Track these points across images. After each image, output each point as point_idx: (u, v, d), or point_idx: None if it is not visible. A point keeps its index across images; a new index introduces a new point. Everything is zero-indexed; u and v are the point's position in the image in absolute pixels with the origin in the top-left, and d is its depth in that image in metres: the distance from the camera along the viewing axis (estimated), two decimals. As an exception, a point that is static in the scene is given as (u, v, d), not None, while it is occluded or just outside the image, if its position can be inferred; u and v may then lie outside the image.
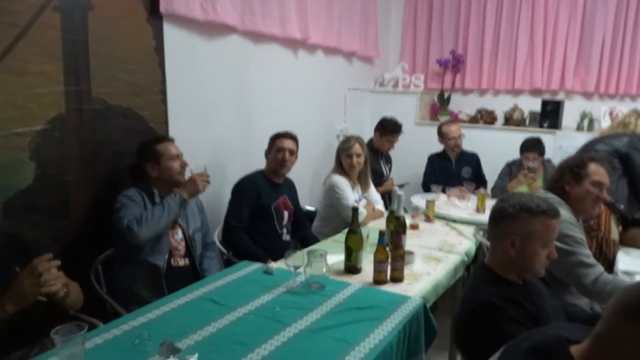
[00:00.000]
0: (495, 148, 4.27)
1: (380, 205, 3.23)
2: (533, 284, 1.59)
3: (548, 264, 1.56)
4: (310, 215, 3.32)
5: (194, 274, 2.31)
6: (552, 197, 2.07)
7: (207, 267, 2.37)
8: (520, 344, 1.00)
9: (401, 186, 3.88)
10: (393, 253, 2.05)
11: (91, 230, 2.28)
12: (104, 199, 2.29)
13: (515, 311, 1.40)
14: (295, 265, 1.86)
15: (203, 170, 2.32)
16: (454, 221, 3.11)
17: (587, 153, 2.34)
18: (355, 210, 2.18)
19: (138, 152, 2.31)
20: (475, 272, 1.65)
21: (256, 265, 2.10)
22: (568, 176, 2.09)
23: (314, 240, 2.97)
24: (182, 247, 2.31)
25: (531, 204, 1.50)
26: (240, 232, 2.68)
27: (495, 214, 1.57)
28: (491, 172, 4.07)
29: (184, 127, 2.71)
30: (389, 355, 1.48)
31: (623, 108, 4.23)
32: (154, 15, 2.49)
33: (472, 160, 4.11)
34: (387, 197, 3.79)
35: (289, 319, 1.59)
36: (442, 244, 2.65)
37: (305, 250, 1.92)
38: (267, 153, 2.87)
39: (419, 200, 3.55)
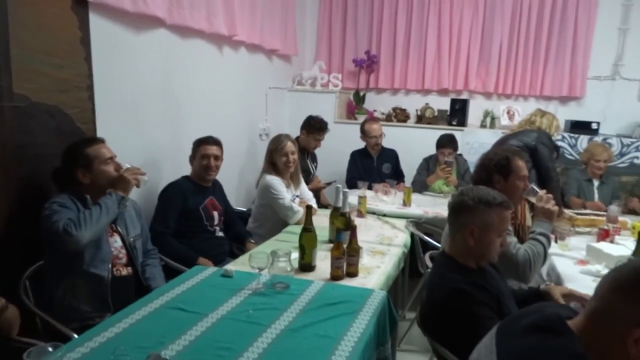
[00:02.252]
0: (410, 145, 4.53)
1: (313, 203, 3.27)
2: (487, 268, 1.73)
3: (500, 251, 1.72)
4: (240, 216, 3.27)
5: (137, 284, 2.17)
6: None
7: (150, 276, 2.24)
8: (518, 323, 1.10)
9: (329, 184, 3.96)
10: (348, 249, 2.11)
11: (13, 243, 2.04)
12: (27, 208, 2.06)
13: (482, 295, 1.53)
14: (259, 267, 1.84)
15: (127, 166, 2.13)
16: (385, 215, 3.26)
17: (506, 149, 2.56)
18: (309, 208, 2.20)
19: (66, 157, 2.08)
20: (438, 261, 1.76)
21: (211, 270, 2.04)
22: (496, 175, 2.28)
23: (248, 235, 2.96)
24: (123, 255, 2.15)
25: (488, 197, 1.64)
26: (166, 238, 2.59)
27: (456, 206, 1.69)
28: (407, 167, 4.32)
29: (113, 127, 2.53)
30: (370, 346, 1.53)
31: (518, 107, 4.73)
32: (80, 3, 2.29)
33: (392, 157, 4.32)
34: (315, 195, 3.85)
35: (265, 320, 1.58)
36: (381, 237, 2.77)
37: (269, 250, 1.90)
38: (192, 159, 2.82)
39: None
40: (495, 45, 4.74)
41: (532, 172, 2.97)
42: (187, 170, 2.86)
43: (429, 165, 4.08)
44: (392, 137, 4.48)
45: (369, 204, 3.39)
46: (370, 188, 3.80)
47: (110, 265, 2.04)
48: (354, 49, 5.12)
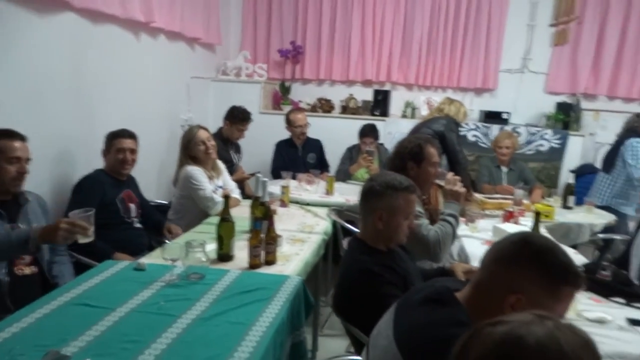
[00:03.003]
0: (335, 134, 4.60)
1: (236, 193, 3.26)
2: (396, 250, 1.81)
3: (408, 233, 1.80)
4: (161, 209, 3.20)
5: (43, 282, 2.06)
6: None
7: (58, 274, 2.13)
8: (413, 297, 1.17)
9: (253, 174, 3.93)
10: (266, 237, 2.13)
11: None
12: None
13: (390, 275, 1.60)
14: (173, 258, 1.81)
15: (87, 217, 1.76)
16: (307, 204, 3.31)
17: (418, 137, 2.67)
18: (226, 198, 2.19)
19: None
20: (351, 245, 1.82)
21: (123, 264, 1.98)
22: (410, 162, 2.38)
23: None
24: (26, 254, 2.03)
25: (395, 182, 1.71)
26: None
27: (366, 192, 1.75)
28: (331, 157, 4.40)
29: (14, 118, 2.36)
30: (282, 331, 1.56)
31: (437, 98, 4.92)
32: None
33: (316, 147, 4.38)
34: (239, 185, 3.83)
35: (176, 311, 1.56)
36: (302, 226, 2.81)
37: (183, 241, 1.88)
38: (106, 152, 2.72)
39: (271, 186, 3.65)
40: (415, 39, 4.91)
41: (442, 157, 3.13)
42: (102, 163, 2.74)
43: (352, 155, 4.18)
44: (317, 127, 4.54)
45: (293, 193, 3.42)
46: (294, 178, 3.83)
47: (7, 266, 1.91)
48: (280, 39, 5.11)
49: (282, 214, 3.07)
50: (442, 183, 2.40)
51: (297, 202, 3.33)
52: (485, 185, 4.04)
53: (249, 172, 4.05)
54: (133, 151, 2.70)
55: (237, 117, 3.81)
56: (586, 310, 1.79)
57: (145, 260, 2.05)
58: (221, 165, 3.20)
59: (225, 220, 2.14)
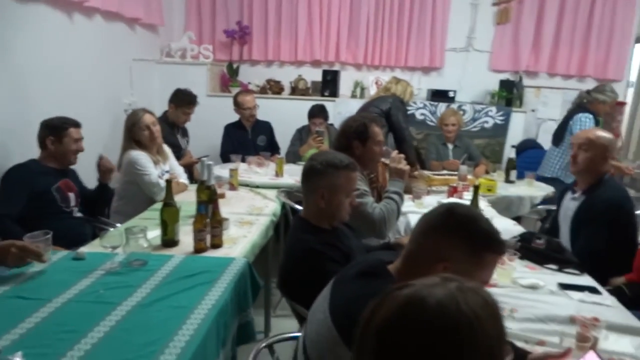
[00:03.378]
0: (284, 116, 4.58)
1: (184, 178, 3.20)
2: (340, 228, 1.84)
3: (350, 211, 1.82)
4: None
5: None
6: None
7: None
8: (349, 272, 1.19)
9: (199, 159, 3.86)
10: (211, 221, 2.10)
11: None
12: None
13: (333, 253, 1.62)
14: (113, 246, 1.76)
15: (44, 241, 1.70)
16: (257, 187, 3.29)
17: (363, 116, 2.69)
18: (168, 182, 2.14)
19: None
20: (294, 224, 1.83)
21: (62, 253, 1.91)
22: (355, 141, 2.41)
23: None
24: None
25: (335, 160, 1.73)
26: (7, 221, 2.35)
27: (307, 172, 1.76)
28: (282, 139, 4.38)
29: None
30: (225, 312, 1.55)
31: (386, 77, 4.96)
32: None
33: (266, 129, 4.34)
34: (188, 170, 3.76)
35: (116, 298, 1.52)
36: (251, 208, 2.80)
37: (122, 227, 1.83)
38: (49, 143, 2.57)
39: (220, 170, 3.62)
40: (362, 18, 4.91)
41: (389, 135, 3.18)
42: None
43: (301, 136, 4.17)
44: (267, 109, 4.50)
45: (243, 176, 3.40)
46: (244, 161, 3.80)
47: None
48: (225, 19, 4.99)
49: (231, 197, 3.05)
50: (386, 161, 2.43)
51: (246, 185, 3.31)
52: (433, 162, 4.13)
53: (198, 156, 3.97)
54: (80, 140, 2.61)
55: (182, 100, 3.72)
56: (521, 277, 1.88)
57: (86, 249, 1.99)
58: (167, 149, 3.13)
59: (169, 205, 2.10)
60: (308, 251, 1.61)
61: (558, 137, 3.98)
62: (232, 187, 3.20)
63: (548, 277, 1.94)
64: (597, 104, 3.85)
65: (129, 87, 4.14)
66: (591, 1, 4.81)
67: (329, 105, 4.54)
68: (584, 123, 3.76)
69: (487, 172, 4.02)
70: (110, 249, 1.76)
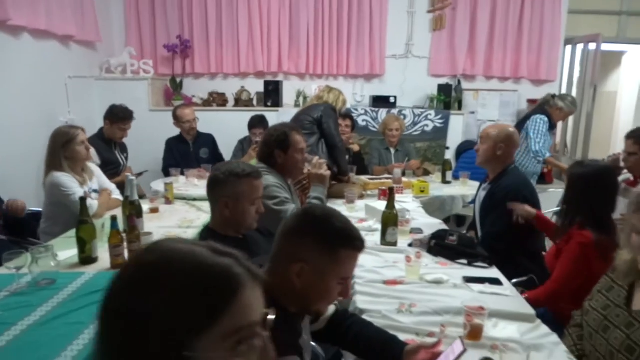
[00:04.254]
0: (229, 128, 4.60)
1: (117, 194, 3.17)
2: (251, 236, 1.87)
3: (264, 221, 1.86)
4: (38, 217, 3.05)
5: None
6: (262, 166, 2.41)
7: None
8: None
9: (140, 174, 3.85)
10: (129, 236, 2.11)
11: None
12: None
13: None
14: (17, 267, 1.75)
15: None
16: (194, 199, 3.29)
17: (284, 125, 2.72)
18: (83, 200, 2.14)
19: None
20: (202, 236, 1.85)
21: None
22: (277, 149, 2.45)
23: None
24: None
25: (238, 169, 1.76)
26: None
27: (210, 182, 1.79)
28: (227, 150, 4.39)
29: None
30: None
31: (327, 86, 5.06)
32: None
33: (209, 141, 4.35)
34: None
35: (14, 319, 1.51)
36: (182, 221, 2.81)
37: (30, 248, 1.82)
38: None
39: (159, 184, 3.61)
40: (302, 29, 4.99)
41: (321, 143, 3.24)
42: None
43: (243, 147, 4.21)
44: (211, 121, 4.52)
45: (181, 190, 3.41)
46: (183, 174, 3.80)
47: None
48: (166, 33, 4.99)
49: (165, 211, 3.05)
50: (308, 167, 2.49)
51: (183, 199, 3.31)
52: (376, 167, 4.23)
53: (138, 171, 3.95)
54: None
55: (117, 115, 3.69)
56: (428, 273, 1.96)
57: (-4, 271, 1.97)
58: (93, 167, 3.09)
59: (84, 222, 2.09)
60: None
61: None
62: (168, 201, 3.20)
63: (455, 271, 2.02)
64: (555, 109, 4.06)
65: (65, 105, 4.09)
66: (520, 6, 5.02)
67: (272, 115, 4.60)
68: (537, 124, 3.95)
69: (418, 168, 4.16)
70: (15, 270, 1.75)
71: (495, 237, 2.41)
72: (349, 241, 1.13)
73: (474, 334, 1.46)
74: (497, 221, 2.45)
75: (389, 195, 2.30)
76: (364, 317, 1.62)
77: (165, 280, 0.56)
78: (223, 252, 0.62)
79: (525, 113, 4.42)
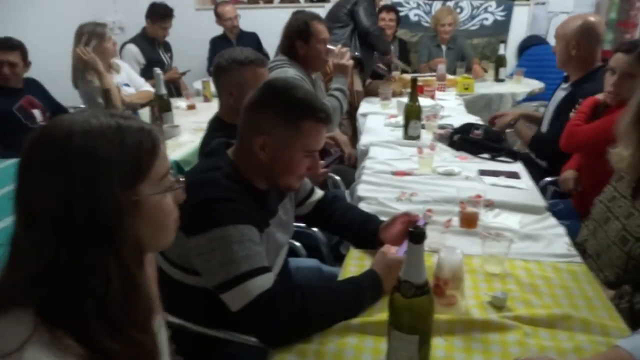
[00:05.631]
0: (275, 26, 4.45)
1: (147, 87, 3.18)
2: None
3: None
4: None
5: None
6: (283, 59, 2.35)
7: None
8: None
9: (183, 73, 3.91)
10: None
11: None
12: None
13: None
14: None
15: None
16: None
17: (305, 13, 2.53)
18: (107, 92, 2.22)
19: None
20: (210, 124, 1.87)
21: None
22: (298, 40, 2.35)
23: None
24: None
25: (241, 56, 1.72)
26: None
27: (214, 70, 1.77)
28: (272, 49, 4.31)
29: None
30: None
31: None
32: None
33: (253, 40, 4.28)
34: (172, 86, 3.82)
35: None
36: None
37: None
38: None
39: (199, 84, 3.66)
40: None
41: (355, 36, 3.09)
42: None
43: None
44: (256, 19, 4.43)
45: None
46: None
47: None
48: None
49: (202, 108, 3.12)
50: (330, 58, 2.38)
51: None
52: (423, 65, 4.00)
53: (182, 70, 4.01)
54: (13, 64, 2.62)
55: (156, 13, 3.69)
56: (441, 166, 1.88)
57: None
58: (121, 62, 3.15)
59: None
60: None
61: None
62: (206, 99, 3.26)
63: (475, 165, 1.93)
64: None
65: (112, 4, 4.14)
66: None
67: (320, 11, 4.39)
68: None
69: (485, 71, 3.86)
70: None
71: (552, 140, 2.06)
72: (310, 112, 1.08)
73: (467, 222, 1.42)
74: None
75: (411, 87, 2.18)
76: (361, 204, 1.62)
77: (119, 139, 0.64)
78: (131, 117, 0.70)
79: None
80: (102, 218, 0.61)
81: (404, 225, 1.26)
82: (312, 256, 1.65)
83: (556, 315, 1.05)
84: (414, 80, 2.20)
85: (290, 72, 2.28)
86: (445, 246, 1.13)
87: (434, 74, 3.47)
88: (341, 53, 2.33)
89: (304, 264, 1.57)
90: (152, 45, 3.82)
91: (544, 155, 2.26)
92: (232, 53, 1.74)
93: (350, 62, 2.35)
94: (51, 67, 3.17)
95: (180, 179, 0.74)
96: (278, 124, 1.08)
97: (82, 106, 3.39)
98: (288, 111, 1.08)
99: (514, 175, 1.81)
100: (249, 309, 0.96)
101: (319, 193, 1.46)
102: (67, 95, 3.05)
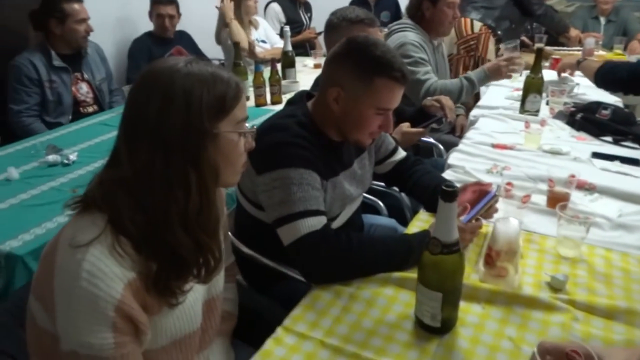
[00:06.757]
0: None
1: (279, 44, 3.38)
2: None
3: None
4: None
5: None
6: (407, 22, 2.32)
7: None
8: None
9: (319, 34, 4.03)
10: (270, 79, 2.36)
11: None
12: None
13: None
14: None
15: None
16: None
17: None
18: (236, 44, 2.43)
19: (44, 4, 2.32)
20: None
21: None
22: (425, 1, 2.30)
23: None
24: (90, 98, 2.53)
25: (352, 14, 1.76)
26: None
27: (325, 27, 1.84)
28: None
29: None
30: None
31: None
32: None
33: (391, 4, 4.25)
34: (308, 45, 3.99)
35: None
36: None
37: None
38: (150, 16, 3.12)
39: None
40: None
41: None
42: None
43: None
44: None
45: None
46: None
47: (72, 106, 2.44)
48: None
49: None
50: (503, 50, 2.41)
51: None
52: (573, 29, 3.57)
53: (319, 31, 4.13)
54: (172, 17, 3.03)
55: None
56: (547, 144, 1.75)
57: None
58: (260, 20, 3.39)
59: (237, 65, 2.40)
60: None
61: None
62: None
63: (590, 147, 1.76)
64: None
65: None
66: None
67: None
68: None
69: None
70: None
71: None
72: (385, 69, 1.09)
73: (554, 201, 1.32)
74: None
75: (535, 57, 2.02)
76: (448, 171, 1.60)
77: (212, 82, 0.77)
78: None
79: None
80: (190, 136, 0.74)
81: (475, 195, 1.24)
82: (394, 217, 1.68)
83: (618, 308, 0.96)
84: (539, 50, 2.03)
85: (409, 37, 2.26)
86: (503, 217, 1.09)
87: (580, 48, 3.14)
88: (508, 57, 2.14)
89: (381, 221, 1.61)
90: (294, 4, 4.01)
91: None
92: (344, 11, 1.79)
93: (504, 64, 2.14)
94: (199, 22, 3.51)
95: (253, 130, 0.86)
96: (352, 78, 1.11)
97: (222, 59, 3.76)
98: (363, 66, 1.11)
99: (632, 161, 1.62)
100: (296, 246, 1.05)
101: (401, 153, 1.47)
102: (211, 49, 3.39)
